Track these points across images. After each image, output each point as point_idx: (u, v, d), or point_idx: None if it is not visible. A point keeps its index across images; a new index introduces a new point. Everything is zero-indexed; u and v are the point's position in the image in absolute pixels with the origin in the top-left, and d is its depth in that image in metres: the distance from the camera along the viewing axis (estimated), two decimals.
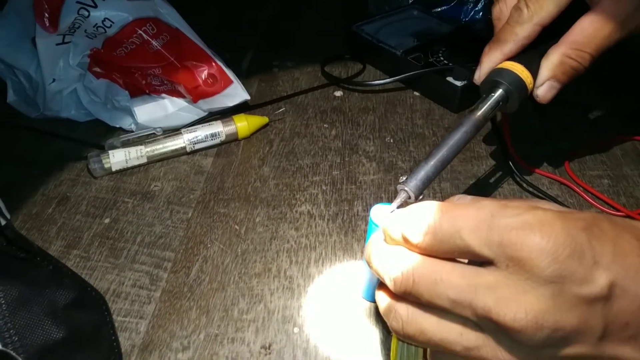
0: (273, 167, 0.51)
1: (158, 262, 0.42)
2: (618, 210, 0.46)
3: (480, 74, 0.40)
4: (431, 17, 0.70)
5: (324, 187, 0.49)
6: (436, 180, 0.45)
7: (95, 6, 0.50)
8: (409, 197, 0.32)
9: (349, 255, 0.43)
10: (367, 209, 0.47)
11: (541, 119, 0.57)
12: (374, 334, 0.37)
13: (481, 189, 0.49)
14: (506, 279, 0.23)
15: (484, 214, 0.24)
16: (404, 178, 0.33)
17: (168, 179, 0.50)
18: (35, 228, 0.45)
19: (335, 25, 0.73)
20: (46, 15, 0.49)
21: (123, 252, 0.43)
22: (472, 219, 0.25)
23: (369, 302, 0.39)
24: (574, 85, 0.40)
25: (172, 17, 0.54)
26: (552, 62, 0.38)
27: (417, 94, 0.61)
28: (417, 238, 0.26)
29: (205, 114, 0.55)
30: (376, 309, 0.38)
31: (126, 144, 0.50)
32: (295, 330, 0.37)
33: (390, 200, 0.47)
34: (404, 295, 0.26)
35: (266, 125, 0.56)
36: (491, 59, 0.40)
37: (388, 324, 0.28)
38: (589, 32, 0.37)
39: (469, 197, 0.28)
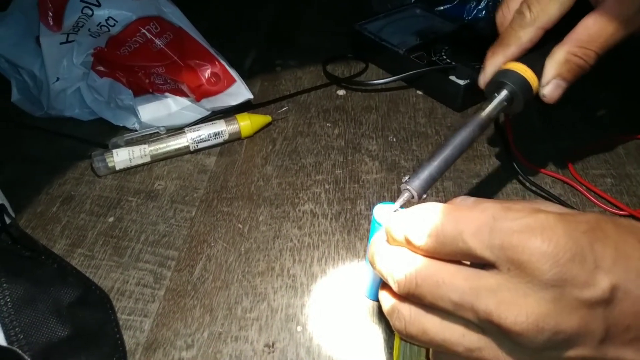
0: (276, 166, 0.51)
1: (162, 260, 0.42)
2: (621, 209, 0.46)
3: (484, 78, 0.40)
4: (434, 16, 0.69)
5: (326, 186, 0.49)
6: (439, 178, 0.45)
7: (99, 5, 0.50)
8: (412, 197, 0.32)
9: (351, 254, 0.43)
10: (370, 207, 0.47)
11: (544, 118, 0.57)
12: (377, 333, 0.37)
13: (484, 188, 0.49)
14: (507, 282, 0.24)
15: (486, 216, 0.24)
16: (407, 177, 0.33)
17: (171, 178, 0.50)
18: (39, 227, 0.45)
19: (338, 24, 0.73)
20: (50, 14, 0.50)
21: (127, 251, 0.43)
22: (474, 221, 0.25)
23: (372, 301, 0.39)
24: (577, 84, 0.40)
25: (176, 16, 0.54)
26: (557, 60, 0.38)
27: (419, 92, 0.61)
28: (420, 240, 0.26)
29: (209, 112, 0.56)
30: (379, 308, 0.38)
31: (130, 143, 0.51)
32: (299, 328, 0.38)
33: (393, 199, 0.47)
34: (407, 297, 0.27)
35: (269, 124, 0.56)
36: (495, 63, 0.40)
37: (391, 323, 0.28)
38: (594, 30, 0.37)
39: (472, 198, 0.29)
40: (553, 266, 0.23)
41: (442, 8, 0.71)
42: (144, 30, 0.52)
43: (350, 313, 0.39)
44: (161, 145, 0.51)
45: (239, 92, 0.55)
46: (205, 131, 0.52)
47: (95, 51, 0.53)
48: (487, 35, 0.42)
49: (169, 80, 0.55)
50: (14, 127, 0.56)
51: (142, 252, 0.43)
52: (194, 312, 0.39)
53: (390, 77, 0.60)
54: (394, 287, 0.27)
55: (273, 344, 0.37)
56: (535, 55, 0.40)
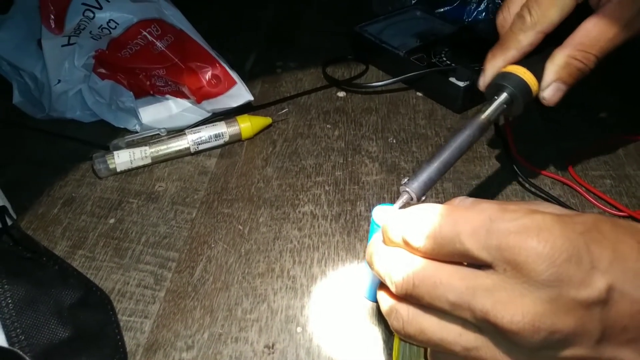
0: (276, 167, 0.52)
1: (162, 262, 0.42)
2: (620, 211, 0.46)
3: (484, 81, 0.40)
4: (434, 18, 0.70)
5: (326, 188, 0.49)
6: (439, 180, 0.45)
7: (101, 8, 0.50)
8: (411, 199, 0.32)
9: (351, 256, 0.43)
10: (369, 209, 0.47)
11: (543, 119, 0.57)
12: (377, 334, 0.38)
13: (483, 189, 0.49)
14: (504, 282, 0.24)
15: (483, 217, 0.25)
16: (406, 179, 0.33)
17: (172, 180, 0.50)
18: (41, 228, 0.45)
19: (338, 26, 0.73)
20: (52, 17, 0.50)
21: (128, 252, 0.43)
22: (471, 222, 0.25)
23: (371, 302, 0.39)
24: (577, 85, 0.40)
25: (177, 19, 0.54)
26: (557, 64, 0.38)
27: (419, 94, 0.62)
28: (417, 241, 0.26)
29: (209, 114, 0.56)
30: (378, 308, 0.38)
31: (131, 145, 0.51)
32: (299, 329, 0.38)
33: (392, 200, 0.47)
34: (404, 297, 0.27)
35: (269, 126, 0.56)
36: (494, 66, 0.40)
37: (389, 323, 0.28)
38: (594, 34, 0.37)
39: (470, 199, 0.29)
40: (549, 267, 0.23)
41: (442, 10, 0.71)
42: (145, 33, 0.52)
43: (350, 314, 0.39)
44: (162, 147, 0.51)
45: (240, 94, 0.55)
46: (205, 133, 0.52)
47: (96, 53, 0.53)
48: (487, 37, 0.42)
49: (169, 83, 0.55)
50: (16, 129, 0.56)
51: (142, 253, 0.43)
52: (194, 314, 0.39)
53: (390, 78, 0.61)
54: (392, 288, 0.27)
55: (273, 345, 0.37)
56: (535, 58, 0.40)
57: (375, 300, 0.38)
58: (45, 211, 0.47)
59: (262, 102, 0.59)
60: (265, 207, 0.47)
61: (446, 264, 0.26)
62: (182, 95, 0.56)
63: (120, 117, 0.55)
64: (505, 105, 0.38)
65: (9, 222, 0.42)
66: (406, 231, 0.27)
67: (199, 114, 0.56)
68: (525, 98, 0.38)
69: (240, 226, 0.46)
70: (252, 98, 0.56)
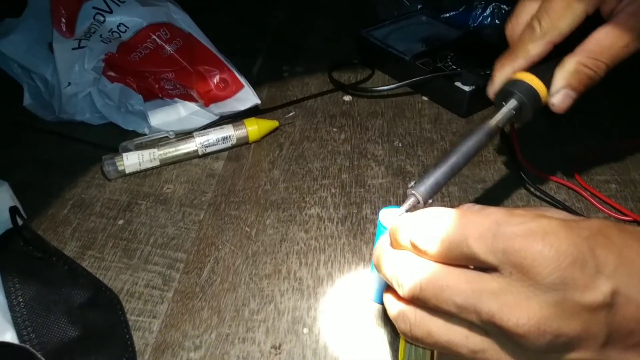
0: (283, 170, 0.52)
1: (171, 262, 0.43)
2: (625, 215, 0.46)
3: (493, 89, 0.41)
4: (439, 23, 0.70)
5: (333, 190, 0.50)
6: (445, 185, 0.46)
7: (111, 11, 0.51)
8: (418, 202, 0.33)
9: (357, 258, 0.43)
10: (375, 212, 0.47)
11: (549, 124, 0.57)
12: (383, 336, 0.38)
13: (489, 193, 0.49)
14: (510, 286, 0.24)
15: (489, 222, 0.25)
16: (413, 183, 0.33)
17: (180, 182, 0.51)
18: (51, 229, 0.46)
19: (344, 30, 0.73)
20: (63, 20, 0.51)
21: (136, 253, 0.44)
22: (478, 226, 0.25)
23: (377, 305, 0.40)
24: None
25: (185, 23, 0.55)
26: (567, 70, 0.38)
27: (425, 98, 0.62)
28: (425, 245, 0.27)
29: (217, 117, 0.56)
30: (384, 310, 0.38)
31: (139, 147, 0.51)
32: (305, 330, 0.38)
33: (398, 203, 0.47)
34: (411, 300, 0.27)
35: (276, 129, 0.56)
36: (503, 74, 0.40)
37: (396, 326, 0.29)
38: (606, 42, 0.37)
39: (477, 205, 0.29)
40: (554, 270, 0.23)
41: (447, 15, 0.72)
42: (154, 37, 0.53)
43: (356, 316, 0.39)
44: (170, 150, 0.52)
45: (247, 97, 0.56)
46: (213, 136, 0.53)
47: (106, 57, 0.54)
48: (492, 42, 0.42)
49: (178, 86, 0.56)
50: (26, 131, 0.57)
51: (151, 254, 0.44)
52: (202, 314, 0.39)
53: (396, 83, 0.61)
54: (399, 291, 0.27)
55: (280, 346, 0.37)
56: (545, 65, 0.40)
57: (382, 303, 0.38)
58: (55, 212, 0.47)
59: (269, 105, 0.60)
60: (272, 210, 0.48)
61: (453, 267, 0.26)
62: (190, 98, 0.56)
63: (129, 119, 0.56)
64: (514, 112, 0.38)
65: (20, 222, 0.42)
66: (414, 234, 0.27)
67: (207, 117, 0.56)
68: (534, 105, 0.38)
69: (247, 228, 0.46)
70: (259, 101, 0.56)
